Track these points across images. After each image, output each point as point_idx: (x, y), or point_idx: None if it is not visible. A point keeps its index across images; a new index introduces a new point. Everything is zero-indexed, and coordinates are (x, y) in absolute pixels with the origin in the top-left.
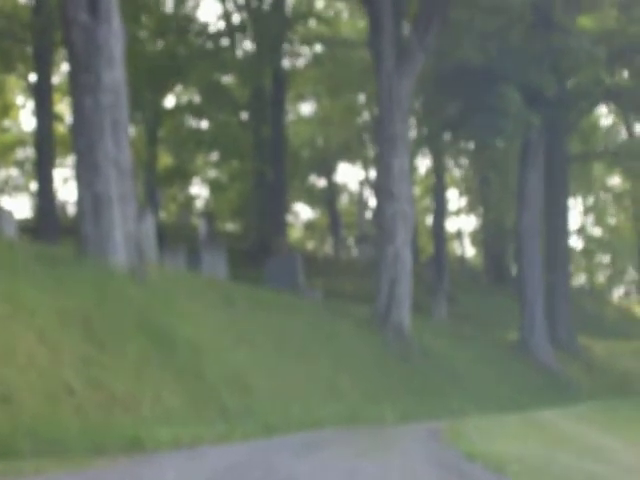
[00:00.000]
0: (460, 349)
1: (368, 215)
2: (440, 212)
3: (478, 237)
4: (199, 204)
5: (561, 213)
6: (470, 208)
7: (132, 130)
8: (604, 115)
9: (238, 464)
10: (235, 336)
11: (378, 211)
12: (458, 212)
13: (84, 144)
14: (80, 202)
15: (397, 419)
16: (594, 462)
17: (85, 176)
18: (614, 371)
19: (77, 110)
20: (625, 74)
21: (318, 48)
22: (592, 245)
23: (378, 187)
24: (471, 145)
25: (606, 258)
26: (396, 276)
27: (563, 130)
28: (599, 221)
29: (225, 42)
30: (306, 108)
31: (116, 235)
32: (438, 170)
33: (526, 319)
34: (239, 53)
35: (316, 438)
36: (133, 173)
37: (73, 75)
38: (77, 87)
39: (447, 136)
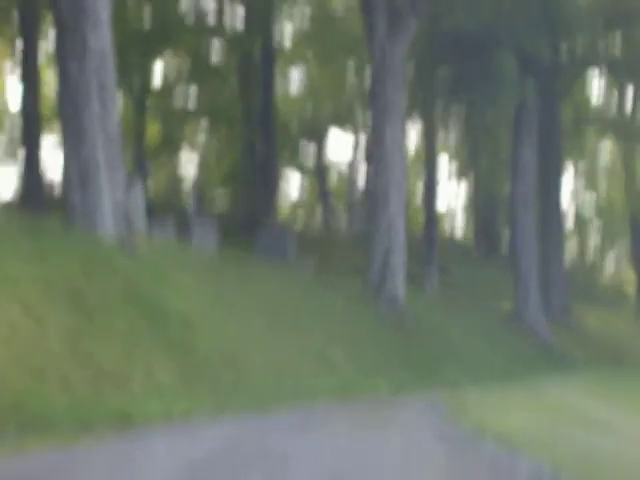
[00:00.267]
0: (454, 320)
1: (360, 184)
2: (431, 182)
3: (468, 209)
4: (188, 174)
5: (554, 183)
6: (460, 174)
7: (120, 99)
8: (595, 80)
9: (230, 439)
10: (226, 309)
11: (371, 180)
12: (449, 177)
13: (70, 109)
14: (66, 170)
15: (392, 391)
16: (601, 435)
17: (71, 142)
18: (607, 341)
19: (63, 74)
20: (619, 41)
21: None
22: (585, 213)
23: (371, 156)
24: (462, 112)
25: (597, 229)
26: (390, 246)
27: (556, 97)
28: (591, 186)
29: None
30: (295, 77)
31: (104, 204)
32: (429, 138)
33: (520, 290)
34: (227, 21)
35: (311, 412)
36: (121, 139)
37: (59, 39)
38: (63, 51)
39: (439, 102)
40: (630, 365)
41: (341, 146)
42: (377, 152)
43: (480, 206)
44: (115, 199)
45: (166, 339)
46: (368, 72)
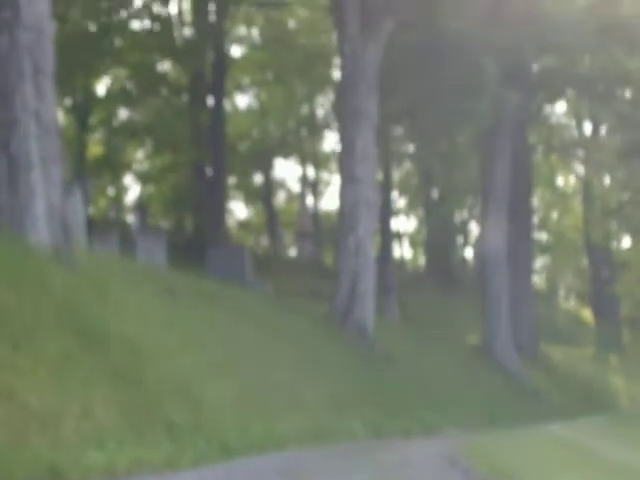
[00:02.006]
0: (424, 353)
1: (308, 212)
2: (387, 209)
3: (417, 238)
4: (131, 198)
5: (525, 209)
6: (410, 208)
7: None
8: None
9: None
10: (179, 334)
11: (339, 196)
12: (397, 212)
13: None
14: None
15: (369, 435)
16: None
17: None
18: (576, 379)
19: None
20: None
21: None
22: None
23: (339, 168)
24: (422, 136)
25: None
26: (358, 270)
27: (527, 119)
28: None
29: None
30: (244, 100)
31: (37, 206)
32: (386, 163)
33: (489, 322)
34: (177, 35)
35: (286, 463)
36: (59, 132)
37: None
38: None
39: (403, 125)
40: (605, 407)
41: (289, 172)
42: (345, 164)
43: (432, 235)
44: (50, 201)
45: (108, 369)
46: (319, 100)
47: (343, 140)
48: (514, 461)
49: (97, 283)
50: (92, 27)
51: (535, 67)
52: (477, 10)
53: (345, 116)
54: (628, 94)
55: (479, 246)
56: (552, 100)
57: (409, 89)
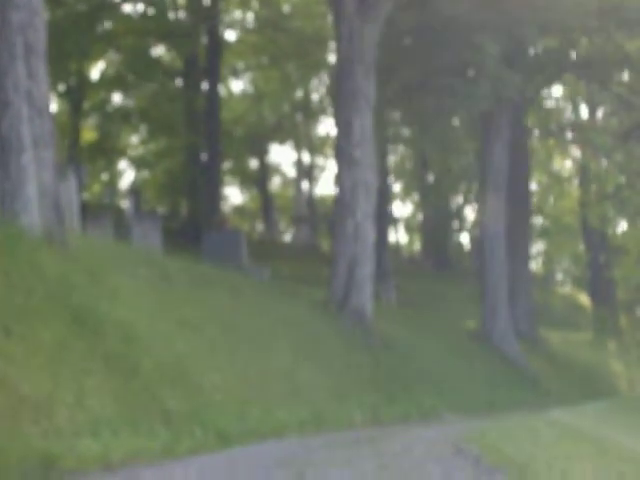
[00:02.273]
0: (420, 339)
1: (304, 197)
2: (383, 193)
3: (412, 223)
4: (125, 183)
5: (522, 191)
6: (405, 193)
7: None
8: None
9: None
10: (175, 320)
11: (336, 179)
12: (393, 197)
13: None
14: None
15: (368, 421)
16: None
17: None
18: (575, 365)
19: None
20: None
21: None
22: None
23: (337, 151)
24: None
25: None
26: (356, 255)
27: (525, 101)
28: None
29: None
30: (239, 85)
31: (29, 187)
32: (382, 147)
33: (487, 307)
34: (172, 19)
35: (285, 451)
36: (51, 114)
37: None
38: None
39: (399, 108)
40: (604, 393)
41: (284, 157)
42: (342, 146)
43: (428, 220)
44: (43, 182)
45: (102, 356)
46: (314, 84)
47: (340, 122)
48: (523, 449)
49: (91, 267)
50: (85, 10)
51: (533, 49)
52: None
53: (342, 98)
54: (626, 77)
55: (477, 230)
56: (550, 83)
57: (406, 71)
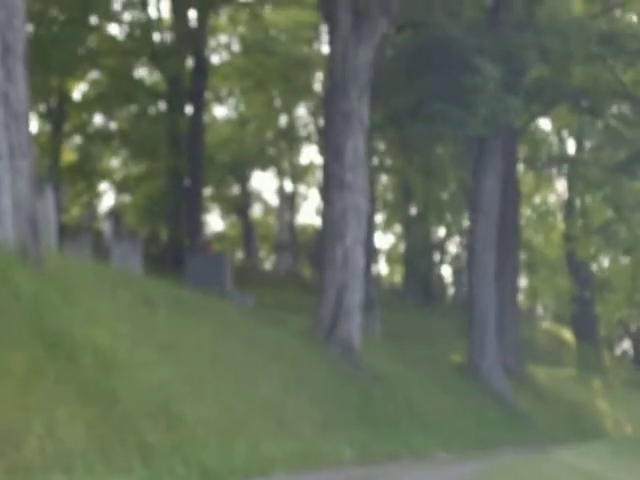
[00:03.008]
0: (408, 371)
1: (286, 225)
2: (369, 222)
3: (393, 254)
4: (105, 207)
5: (512, 224)
6: (387, 224)
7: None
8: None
9: None
10: (157, 346)
11: (326, 203)
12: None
13: None
14: None
15: (357, 459)
16: None
17: None
18: (561, 402)
19: None
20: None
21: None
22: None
23: (326, 174)
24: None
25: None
26: (345, 282)
27: (516, 131)
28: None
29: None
30: (223, 111)
31: (3, 199)
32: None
33: (475, 341)
34: (157, 40)
35: None
36: (29, 121)
37: None
38: None
39: (385, 138)
40: (592, 432)
41: (265, 185)
42: (333, 169)
43: (410, 251)
44: (18, 194)
45: (77, 383)
46: (298, 110)
47: (331, 145)
48: None
49: (67, 288)
50: (69, 29)
51: (530, 76)
52: (474, 13)
53: (334, 119)
54: (621, 108)
55: (459, 262)
56: (544, 112)
57: (397, 96)
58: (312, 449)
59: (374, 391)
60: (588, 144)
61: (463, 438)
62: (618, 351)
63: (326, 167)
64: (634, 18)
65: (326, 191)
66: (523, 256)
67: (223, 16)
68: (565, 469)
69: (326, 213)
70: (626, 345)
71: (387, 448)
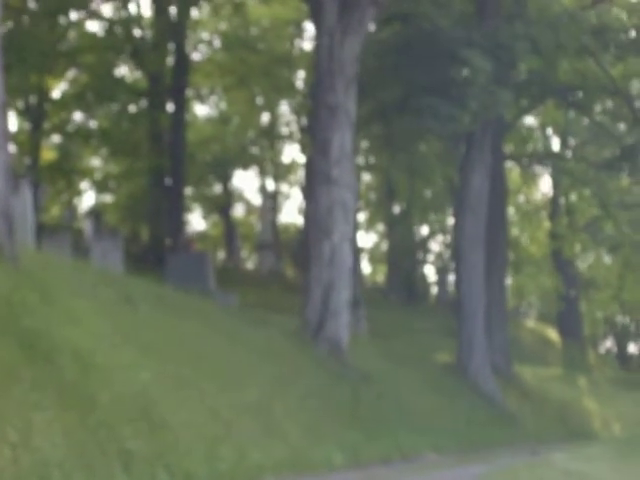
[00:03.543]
0: (396, 371)
1: (268, 224)
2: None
3: (377, 253)
4: (85, 206)
5: (499, 222)
6: (370, 223)
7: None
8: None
9: None
10: (138, 347)
11: (311, 199)
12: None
13: None
14: None
15: (348, 463)
16: None
17: None
18: (549, 401)
19: None
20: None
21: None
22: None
23: (312, 169)
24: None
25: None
26: (332, 280)
27: (503, 127)
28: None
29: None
30: (204, 109)
31: None
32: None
33: (464, 340)
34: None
35: None
36: (5, 113)
37: None
38: None
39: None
40: (581, 432)
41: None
42: (319, 164)
43: (394, 250)
44: None
45: (55, 387)
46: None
47: (317, 139)
48: None
49: (44, 286)
50: (47, 25)
51: (520, 69)
52: (463, 5)
53: (320, 113)
54: (607, 104)
55: (441, 261)
56: (533, 107)
57: (385, 90)
58: (301, 454)
59: (363, 391)
60: (574, 141)
61: (454, 439)
62: (602, 349)
63: (312, 162)
64: (623, 12)
65: (312, 187)
66: (510, 254)
67: (204, 11)
68: (563, 474)
69: (312, 209)
70: (609, 343)
71: (378, 450)
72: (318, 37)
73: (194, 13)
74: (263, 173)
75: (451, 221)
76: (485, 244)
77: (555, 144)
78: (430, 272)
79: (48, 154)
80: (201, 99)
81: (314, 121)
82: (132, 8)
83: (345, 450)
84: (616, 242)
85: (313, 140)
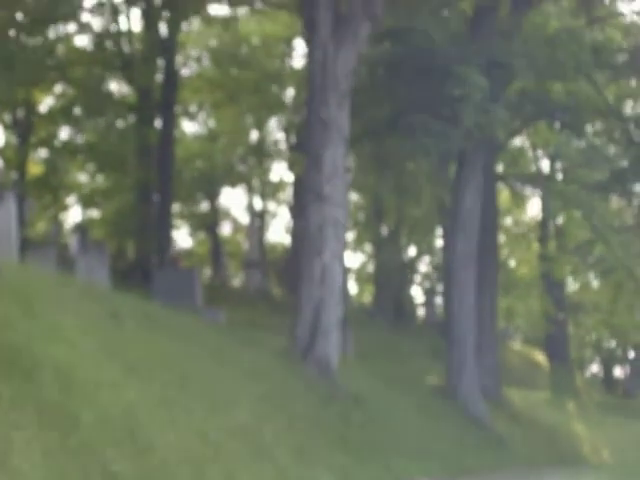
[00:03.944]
0: (386, 393)
1: (255, 242)
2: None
3: (363, 274)
4: (72, 222)
5: (491, 242)
6: (357, 244)
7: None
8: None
9: None
10: (124, 365)
11: (302, 216)
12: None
13: None
14: None
15: None
16: None
17: None
18: (538, 426)
19: None
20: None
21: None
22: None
23: (304, 186)
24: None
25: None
26: (323, 299)
27: (496, 147)
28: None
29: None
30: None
31: None
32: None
33: (454, 362)
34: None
35: None
36: None
37: None
38: None
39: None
40: (571, 457)
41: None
42: (311, 180)
43: (381, 271)
44: None
45: (36, 406)
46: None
47: (309, 155)
48: None
49: (27, 300)
50: (36, 40)
51: (511, 90)
52: (457, 23)
53: (313, 128)
54: (600, 126)
55: (428, 283)
56: (526, 127)
57: (377, 107)
58: (290, 477)
59: (353, 413)
60: (565, 163)
61: (444, 463)
62: (587, 374)
63: (303, 178)
64: (617, 33)
65: (302, 204)
66: (499, 276)
67: (194, 27)
68: None
69: (302, 227)
70: (595, 368)
71: (368, 474)
72: (311, 51)
73: (184, 28)
74: (251, 191)
75: (439, 242)
76: (476, 265)
77: (545, 165)
78: (417, 293)
79: (35, 168)
80: (190, 116)
81: (306, 137)
82: (122, 23)
83: (335, 473)
84: (608, 266)
85: (305, 156)
